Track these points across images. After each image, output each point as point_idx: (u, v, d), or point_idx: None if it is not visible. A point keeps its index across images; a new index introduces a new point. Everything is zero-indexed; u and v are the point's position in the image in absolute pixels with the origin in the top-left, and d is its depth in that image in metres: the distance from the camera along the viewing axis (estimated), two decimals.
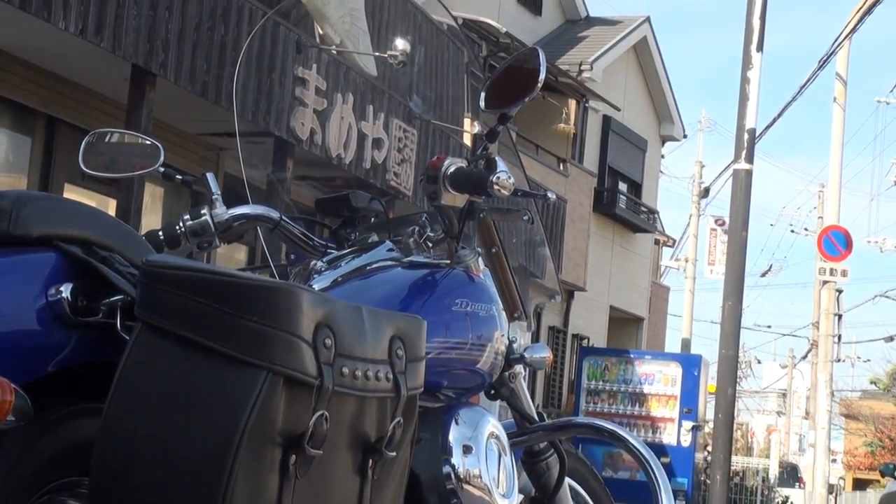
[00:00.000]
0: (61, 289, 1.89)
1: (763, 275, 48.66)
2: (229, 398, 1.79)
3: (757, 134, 14.62)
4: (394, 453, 2.03)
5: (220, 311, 1.82)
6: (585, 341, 21.71)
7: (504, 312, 2.84)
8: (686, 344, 29.72)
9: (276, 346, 1.82)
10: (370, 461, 2.00)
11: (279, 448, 1.82)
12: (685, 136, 27.18)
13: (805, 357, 38.21)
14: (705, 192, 31.69)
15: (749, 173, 14.44)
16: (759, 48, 14.42)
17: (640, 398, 16.80)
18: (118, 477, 1.80)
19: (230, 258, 12.17)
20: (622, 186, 23.34)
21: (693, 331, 30.77)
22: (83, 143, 2.61)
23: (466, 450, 2.62)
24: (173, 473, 1.77)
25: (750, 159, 14.49)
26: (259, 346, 1.81)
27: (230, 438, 1.76)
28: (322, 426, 1.85)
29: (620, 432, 3.05)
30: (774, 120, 18.80)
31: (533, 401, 3.08)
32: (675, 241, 31.98)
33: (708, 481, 15.63)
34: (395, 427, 2.03)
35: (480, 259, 2.83)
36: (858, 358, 49.58)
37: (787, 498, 21.04)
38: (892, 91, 35.37)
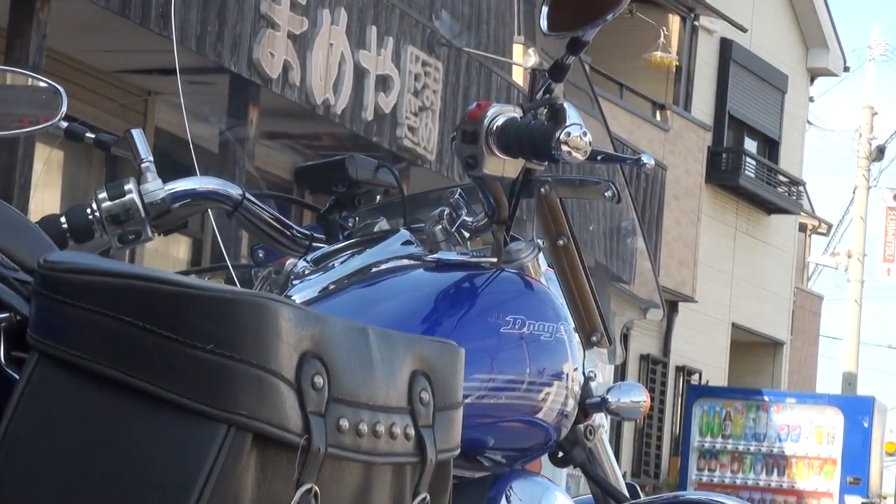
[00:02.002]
0: None
1: None
2: (172, 465, 1.76)
3: None
4: None
5: (156, 336, 1.79)
6: (696, 377, 21.70)
7: (577, 335, 2.84)
8: (850, 380, 29.63)
9: (240, 388, 1.79)
10: None
11: None
12: (846, 70, 27.15)
13: None
14: (879, 154, 31.60)
15: None
16: None
17: (779, 462, 16.75)
18: None
19: (166, 256, 12.20)
20: (750, 145, 23.35)
21: (860, 360, 30.68)
22: None
23: None
24: None
25: None
26: (215, 388, 1.78)
27: None
28: None
29: None
30: None
31: (619, 465, 3.09)
32: (831, 226, 31.91)
33: None
34: None
35: (542, 256, 2.83)
36: None
37: None
38: None
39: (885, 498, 17.64)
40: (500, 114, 2.65)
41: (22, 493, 1.80)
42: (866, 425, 16.74)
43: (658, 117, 20.34)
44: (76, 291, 1.84)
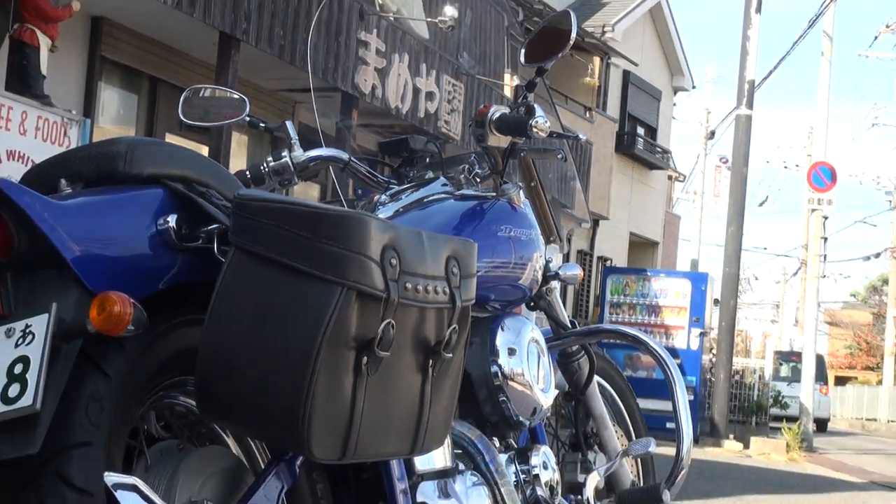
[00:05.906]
0: (168, 219, 1.85)
1: (760, 204, 48.93)
2: (311, 310, 1.73)
3: (756, 84, 14.41)
4: (450, 355, 1.95)
5: (302, 236, 1.76)
6: (609, 262, 21.42)
7: (541, 237, 2.73)
8: (694, 264, 29.45)
9: (349, 266, 1.75)
10: (430, 361, 1.92)
11: (353, 351, 1.76)
12: (694, 87, 26.74)
13: (795, 274, 37.97)
14: (711, 135, 31.31)
15: (749, 118, 14.26)
16: (759, 10, 14.15)
17: (655, 310, 16.49)
18: (218, 375, 1.78)
19: (305, 195, 12.11)
20: (640, 130, 22.98)
21: (700, 252, 30.46)
22: (182, 98, 2.59)
23: (511, 352, 2.53)
24: (264, 372, 1.73)
25: (750, 105, 14.29)
26: (335, 266, 1.74)
27: (312, 343, 1.71)
28: (389, 332, 1.79)
29: (642, 336, 2.95)
30: (770, 72, 18.46)
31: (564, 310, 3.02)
32: (685, 176, 31.61)
33: (713, 379, 15.48)
34: (451, 333, 1.94)
35: (521, 192, 2.72)
36: (840, 275, 49.75)
37: (779, 392, 20.79)
38: (870, 46, 34.77)
39: (712, 329, 17.43)
40: (497, 110, 2.57)
41: (227, 323, 1.77)
42: (703, 289, 16.38)
43: (587, 115, 19.84)
44: (257, 212, 1.80)
